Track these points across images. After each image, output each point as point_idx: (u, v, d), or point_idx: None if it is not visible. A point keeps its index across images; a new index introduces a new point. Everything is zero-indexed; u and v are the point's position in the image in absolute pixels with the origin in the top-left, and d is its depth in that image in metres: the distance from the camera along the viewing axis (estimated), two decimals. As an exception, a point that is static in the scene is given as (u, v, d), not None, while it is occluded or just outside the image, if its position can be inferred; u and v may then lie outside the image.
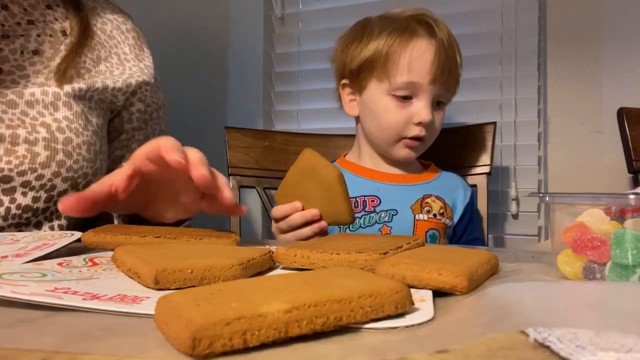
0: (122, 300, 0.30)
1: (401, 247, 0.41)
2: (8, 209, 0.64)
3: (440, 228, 0.91)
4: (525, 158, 1.28)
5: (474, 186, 1.08)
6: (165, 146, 0.50)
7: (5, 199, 0.63)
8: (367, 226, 0.89)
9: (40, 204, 0.66)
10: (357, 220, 0.89)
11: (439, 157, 1.05)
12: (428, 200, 0.92)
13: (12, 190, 0.63)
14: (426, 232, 0.90)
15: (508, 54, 1.29)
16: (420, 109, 0.88)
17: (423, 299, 0.30)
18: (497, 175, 1.27)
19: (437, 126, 0.93)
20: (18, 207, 0.64)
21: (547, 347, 0.22)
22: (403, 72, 0.88)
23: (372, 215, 0.90)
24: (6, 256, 0.41)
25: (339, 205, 0.64)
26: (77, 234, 0.49)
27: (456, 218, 0.95)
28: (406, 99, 0.89)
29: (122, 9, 0.85)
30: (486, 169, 1.10)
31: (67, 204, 0.49)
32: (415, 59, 0.88)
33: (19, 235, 0.51)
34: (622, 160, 1.08)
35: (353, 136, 1.19)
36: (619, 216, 0.34)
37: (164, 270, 0.33)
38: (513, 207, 1.26)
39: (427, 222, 0.90)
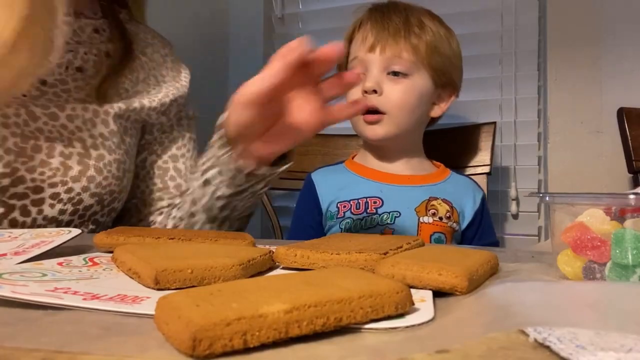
0: (122, 300, 0.30)
1: (401, 247, 0.41)
2: (34, 220, 0.64)
3: (446, 232, 0.89)
4: (525, 158, 1.28)
5: (474, 186, 1.08)
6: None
7: (33, 210, 0.64)
8: (369, 227, 0.88)
9: (66, 217, 0.66)
10: (358, 222, 0.89)
11: (439, 157, 1.05)
12: (434, 202, 0.90)
13: (41, 201, 0.64)
14: (431, 236, 0.88)
15: (508, 54, 1.29)
16: (365, 78, 0.90)
17: (423, 299, 0.30)
18: (497, 175, 1.27)
19: (396, 98, 0.89)
20: (44, 218, 0.65)
21: (547, 347, 0.22)
22: (351, 53, 0.95)
23: (374, 217, 0.88)
24: (5, 254, 0.41)
25: None
26: (75, 231, 0.49)
27: (464, 224, 0.92)
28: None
29: (162, 36, 0.87)
30: (486, 169, 1.10)
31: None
32: (356, 37, 0.94)
33: (17, 232, 0.51)
34: (622, 160, 1.08)
35: (353, 136, 1.19)
36: (619, 216, 0.34)
37: (164, 270, 0.33)
38: (513, 207, 1.26)
39: (432, 225, 0.88)
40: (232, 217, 0.66)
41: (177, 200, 0.76)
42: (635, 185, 1.12)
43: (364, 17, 0.95)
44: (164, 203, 0.79)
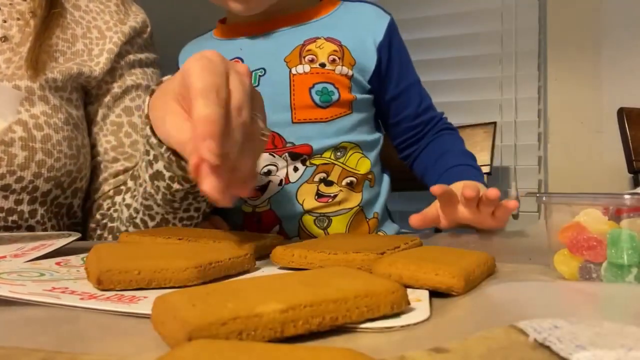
0: (120, 300, 0.30)
1: (399, 247, 0.41)
2: None
3: (334, 80, 0.66)
4: (525, 158, 1.28)
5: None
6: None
7: None
8: None
9: (25, 207, 0.62)
10: None
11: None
12: (310, 46, 0.67)
13: None
14: (310, 89, 0.65)
15: (508, 54, 1.29)
16: None
17: (419, 299, 0.30)
18: (497, 175, 1.27)
19: None
20: (1, 210, 0.61)
21: (547, 347, 0.22)
22: None
23: None
24: (4, 256, 0.41)
25: None
26: (76, 235, 0.49)
27: (371, 65, 0.68)
28: None
29: None
30: (486, 169, 1.10)
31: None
32: None
33: (17, 235, 0.51)
34: (622, 160, 1.08)
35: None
36: (616, 216, 0.34)
37: (108, 271, 0.32)
38: (513, 207, 1.26)
39: (310, 75, 0.66)
40: (201, 207, 0.58)
41: (130, 184, 0.64)
42: (635, 185, 1.12)
43: None
44: (120, 167, 0.71)
